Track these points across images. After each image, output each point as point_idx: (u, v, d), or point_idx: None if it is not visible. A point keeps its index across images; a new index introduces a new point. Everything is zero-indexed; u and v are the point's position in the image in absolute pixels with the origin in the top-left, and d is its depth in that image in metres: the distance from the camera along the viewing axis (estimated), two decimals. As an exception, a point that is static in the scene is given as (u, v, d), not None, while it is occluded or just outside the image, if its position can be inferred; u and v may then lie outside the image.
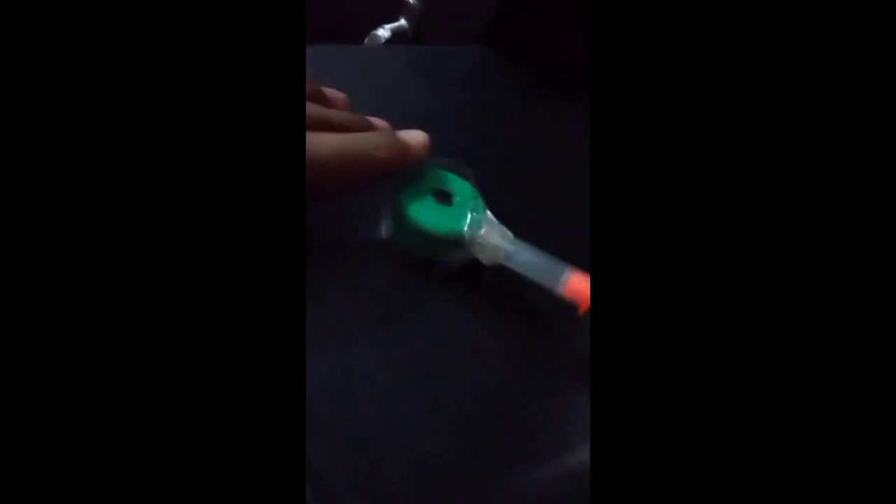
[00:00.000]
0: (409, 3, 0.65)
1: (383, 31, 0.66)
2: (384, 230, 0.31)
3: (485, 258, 0.30)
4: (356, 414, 0.25)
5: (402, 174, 0.31)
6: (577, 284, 0.29)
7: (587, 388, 0.29)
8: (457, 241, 0.30)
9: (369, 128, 0.30)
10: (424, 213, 0.30)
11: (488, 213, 0.31)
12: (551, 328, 0.33)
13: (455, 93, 0.52)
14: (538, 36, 0.59)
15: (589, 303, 0.28)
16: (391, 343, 0.28)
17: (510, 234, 0.30)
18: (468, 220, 0.30)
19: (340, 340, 0.27)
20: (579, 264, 0.29)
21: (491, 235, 0.30)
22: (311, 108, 0.28)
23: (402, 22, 0.66)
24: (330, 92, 0.32)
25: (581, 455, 0.27)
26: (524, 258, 0.30)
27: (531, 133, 0.50)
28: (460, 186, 0.32)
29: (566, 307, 0.29)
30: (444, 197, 0.31)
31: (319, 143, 0.26)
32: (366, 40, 0.66)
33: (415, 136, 0.30)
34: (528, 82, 0.56)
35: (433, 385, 0.28)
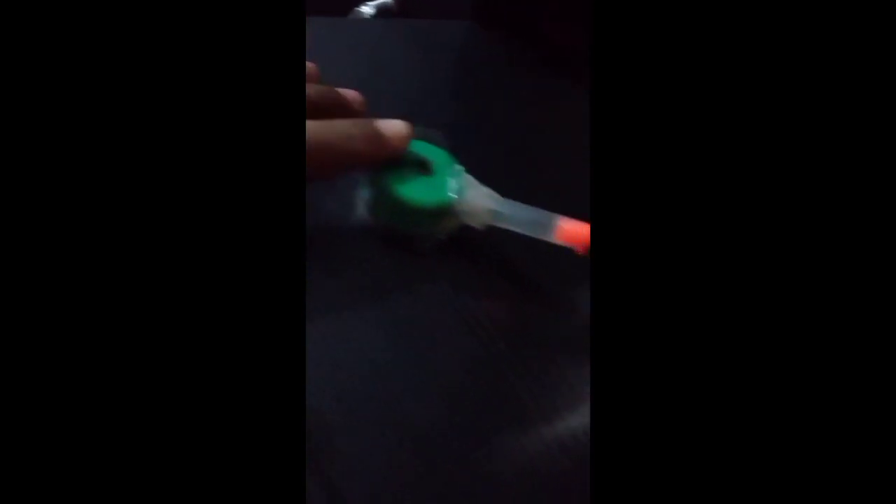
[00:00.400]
0: (392, -23, 0.64)
1: (367, 8, 0.64)
2: (363, 207, 0.30)
3: (474, 222, 0.30)
4: (345, 381, 0.25)
5: (378, 165, 0.29)
6: (568, 230, 0.29)
7: (580, 358, 0.29)
8: (445, 210, 0.29)
9: (340, 102, 0.29)
10: (409, 188, 0.29)
11: (469, 175, 0.30)
12: (542, 297, 0.32)
13: (442, 67, 0.51)
14: (525, 11, 0.57)
15: (583, 244, 0.29)
16: (379, 313, 0.28)
17: (495, 194, 0.30)
18: (453, 186, 0.29)
19: (329, 313, 0.27)
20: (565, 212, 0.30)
21: (477, 198, 0.29)
22: None
23: (386, -3, 0.65)
24: None
25: (572, 424, 0.26)
26: (513, 215, 0.29)
27: (518, 106, 0.49)
28: (436, 153, 0.31)
29: (564, 252, 0.29)
30: (421, 166, 0.30)
31: None
32: (348, 17, 0.64)
33: (393, 127, 0.28)
34: (514, 57, 0.55)
35: (420, 353, 0.27)
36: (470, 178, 0.30)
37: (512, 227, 0.30)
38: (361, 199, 0.31)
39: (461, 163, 0.31)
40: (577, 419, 0.27)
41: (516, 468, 0.24)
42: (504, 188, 0.30)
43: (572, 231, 0.29)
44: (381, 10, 0.64)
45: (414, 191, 0.29)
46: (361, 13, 0.65)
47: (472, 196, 0.29)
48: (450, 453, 0.24)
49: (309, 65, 0.30)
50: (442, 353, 0.27)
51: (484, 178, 0.31)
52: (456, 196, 0.29)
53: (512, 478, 0.24)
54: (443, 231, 0.30)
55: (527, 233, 0.30)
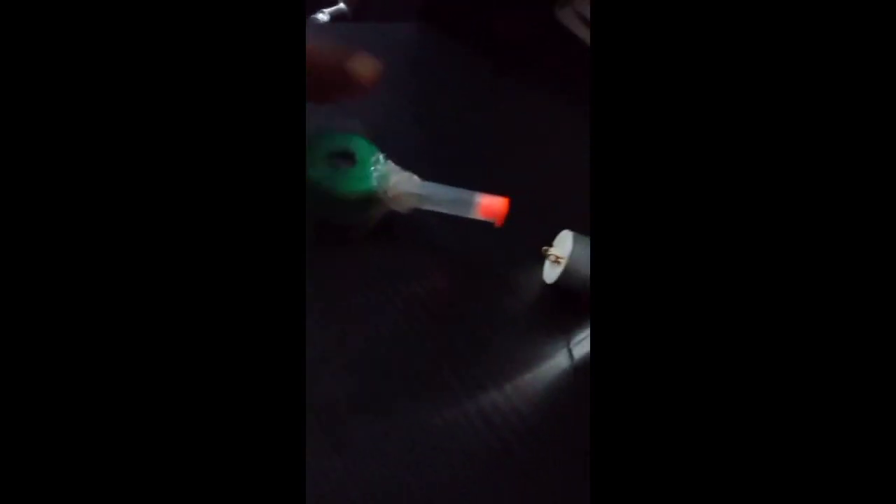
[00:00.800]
0: (345, -16, 0.65)
1: (322, 16, 0.65)
2: None
3: (400, 207, 0.31)
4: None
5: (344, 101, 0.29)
6: (487, 206, 0.31)
7: (507, 332, 0.30)
8: (370, 199, 0.30)
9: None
10: (334, 179, 0.30)
11: (391, 162, 0.31)
12: (467, 277, 0.33)
13: (391, 67, 0.51)
14: (473, 11, 0.59)
15: (500, 217, 0.31)
16: (311, 298, 0.28)
17: (417, 178, 0.31)
18: (377, 174, 0.30)
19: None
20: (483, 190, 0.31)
21: (401, 184, 0.30)
22: None
23: (341, 5, 0.66)
24: None
25: (494, 396, 0.27)
26: (436, 196, 0.31)
27: (467, 106, 0.50)
28: (358, 143, 0.32)
29: (485, 225, 0.31)
30: (345, 157, 0.31)
31: None
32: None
33: (366, 62, 0.29)
34: (463, 57, 0.56)
35: (339, 329, 0.28)
36: (392, 165, 0.31)
37: (436, 208, 0.31)
38: None
39: (387, 151, 0.32)
40: (500, 391, 0.27)
41: (434, 438, 0.25)
42: (446, 179, 0.31)
43: (491, 206, 0.30)
44: (336, 17, 0.66)
45: (339, 183, 0.30)
46: (317, 20, 0.66)
47: (396, 182, 0.30)
48: (364, 421, 0.25)
49: None
50: (359, 326, 0.28)
51: (430, 172, 0.31)
52: (379, 184, 0.30)
53: (430, 447, 0.25)
54: (370, 219, 0.31)
55: (450, 212, 0.31)
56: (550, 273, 0.33)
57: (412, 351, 0.28)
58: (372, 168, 0.30)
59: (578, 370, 0.30)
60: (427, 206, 0.31)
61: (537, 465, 0.25)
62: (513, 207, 0.31)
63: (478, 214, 0.31)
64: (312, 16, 0.66)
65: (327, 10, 0.66)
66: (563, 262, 0.32)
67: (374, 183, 0.30)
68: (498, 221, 0.31)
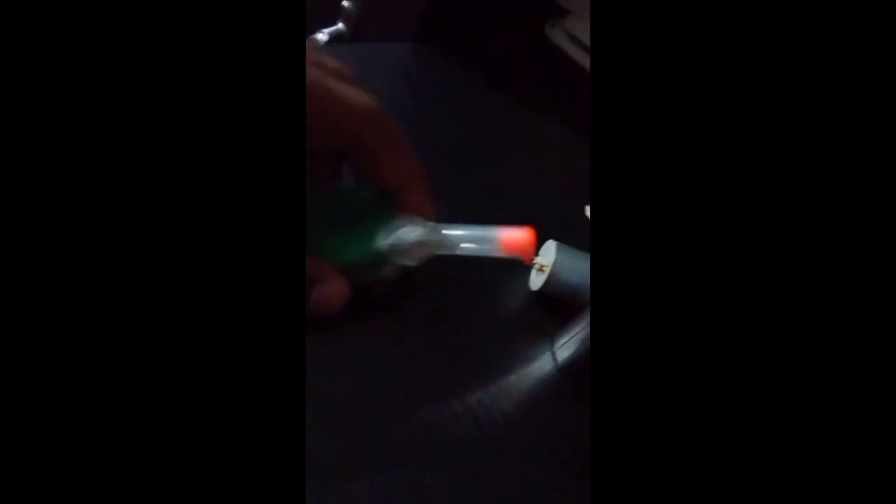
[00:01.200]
0: (345, 6, 0.68)
1: (322, 35, 0.68)
2: None
3: (416, 259, 0.29)
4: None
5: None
6: (511, 243, 0.29)
7: (491, 335, 0.31)
8: (383, 260, 0.29)
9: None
10: (340, 247, 0.28)
11: (406, 213, 0.30)
12: (457, 283, 0.34)
13: (385, 88, 0.54)
14: (466, 30, 0.61)
15: (531, 254, 0.29)
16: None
17: (432, 225, 0.30)
18: (385, 234, 0.28)
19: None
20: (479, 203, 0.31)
21: (418, 238, 0.29)
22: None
23: (340, 25, 0.68)
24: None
25: (479, 395, 0.29)
26: (456, 240, 0.30)
27: (461, 124, 0.52)
28: (365, 197, 0.29)
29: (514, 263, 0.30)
30: (351, 214, 0.29)
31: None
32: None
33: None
34: (457, 76, 0.58)
35: (335, 335, 0.29)
36: (408, 218, 0.29)
37: (456, 252, 0.30)
38: None
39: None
40: (484, 390, 0.29)
41: (425, 434, 0.27)
42: (452, 207, 0.31)
43: (516, 241, 0.29)
44: (335, 37, 0.68)
45: (347, 250, 0.28)
46: (316, 40, 0.68)
47: (410, 236, 0.29)
48: (360, 420, 0.26)
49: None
50: (356, 334, 0.30)
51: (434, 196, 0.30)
52: (390, 244, 0.28)
53: (424, 443, 0.26)
54: (386, 276, 0.30)
55: (473, 254, 0.30)
56: (535, 280, 0.35)
57: (405, 353, 0.30)
58: (381, 227, 0.28)
59: (561, 372, 0.32)
60: (447, 252, 0.30)
61: (519, 459, 0.27)
62: (504, 220, 0.31)
63: (502, 252, 0.29)
64: (311, 36, 0.68)
65: (327, 30, 0.68)
66: (548, 270, 0.33)
67: (384, 245, 0.28)
68: (527, 257, 0.29)
